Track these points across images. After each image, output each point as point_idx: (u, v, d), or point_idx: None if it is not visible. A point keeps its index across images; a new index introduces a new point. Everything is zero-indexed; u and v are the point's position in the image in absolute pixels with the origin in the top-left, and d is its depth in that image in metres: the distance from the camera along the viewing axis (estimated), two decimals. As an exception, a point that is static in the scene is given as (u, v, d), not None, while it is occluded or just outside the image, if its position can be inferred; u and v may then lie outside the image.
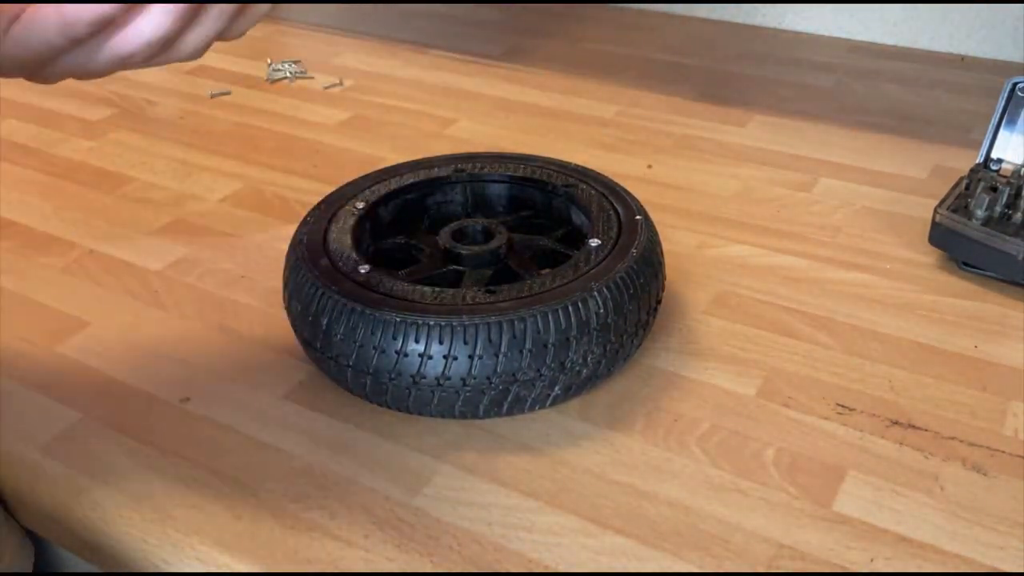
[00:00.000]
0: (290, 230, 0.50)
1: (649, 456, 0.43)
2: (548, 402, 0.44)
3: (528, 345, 0.41)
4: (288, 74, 0.87)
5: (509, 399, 0.43)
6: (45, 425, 0.45)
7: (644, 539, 0.38)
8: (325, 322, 0.43)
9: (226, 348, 0.50)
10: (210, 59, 0.92)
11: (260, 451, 0.43)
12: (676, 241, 0.58)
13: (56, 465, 0.43)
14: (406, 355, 0.41)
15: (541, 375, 0.42)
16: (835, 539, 0.38)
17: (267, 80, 0.86)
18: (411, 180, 0.54)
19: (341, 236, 0.48)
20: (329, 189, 0.53)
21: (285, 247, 0.49)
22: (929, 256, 0.57)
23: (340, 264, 0.46)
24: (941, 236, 0.55)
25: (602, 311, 0.43)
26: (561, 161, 0.56)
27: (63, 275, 0.57)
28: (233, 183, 0.67)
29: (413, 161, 0.56)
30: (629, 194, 0.52)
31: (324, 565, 0.38)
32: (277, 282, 0.49)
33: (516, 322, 0.41)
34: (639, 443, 0.43)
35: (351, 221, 0.50)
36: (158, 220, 0.63)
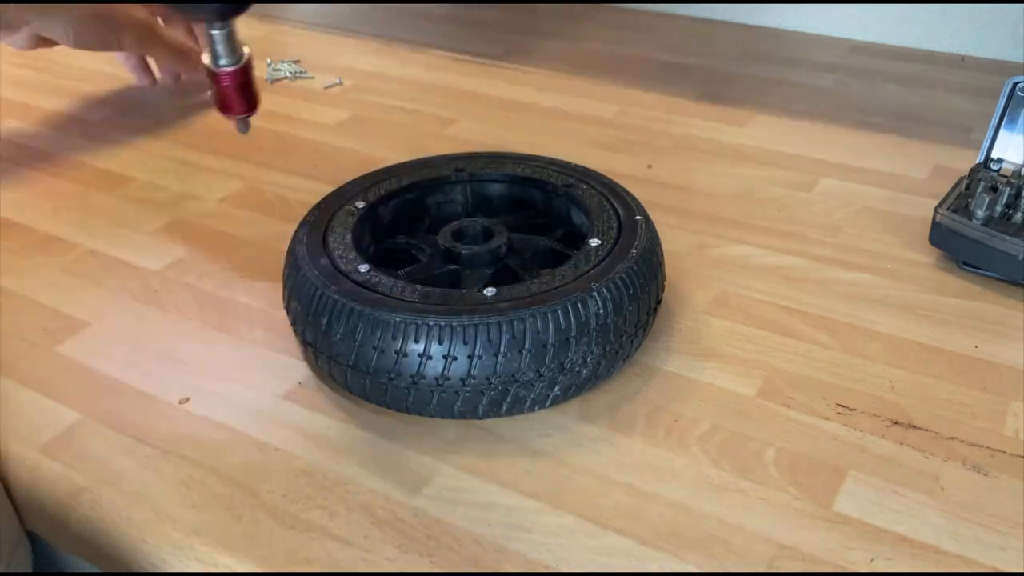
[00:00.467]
0: (290, 230, 0.50)
1: (649, 456, 0.43)
2: (548, 402, 0.44)
3: (527, 345, 0.41)
4: (288, 74, 0.87)
5: (508, 399, 0.43)
6: (45, 425, 0.45)
7: (644, 539, 0.38)
8: (325, 322, 0.43)
9: (226, 348, 0.50)
10: (210, 59, 0.92)
11: (260, 451, 0.43)
12: (676, 241, 0.58)
13: (56, 465, 0.43)
14: (405, 355, 0.41)
15: (541, 375, 0.42)
16: (835, 539, 0.38)
17: (267, 80, 0.86)
18: (411, 180, 0.54)
19: (341, 236, 0.48)
20: (329, 189, 0.53)
21: (285, 247, 0.49)
22: (929, 256, 0.57)
23: (340, 264, 0.46)
24: (941, 236, 0.55)
25: (602, 311, 0.43)
26: (561, 161, 0.56)
27: (63, 275, 0.57)
28: (233, 183, 0.67)
29: (413, 161, 0.56)
30: (629, 194, 0.52)
31: (324, 565, 0.38)
32: (277, 282, 0.49)
33: (515, 322, 0.41)
34: (639, 443, 0.43)
35: (351, 221, 0.50)
36: (158, 220, 0.63)
